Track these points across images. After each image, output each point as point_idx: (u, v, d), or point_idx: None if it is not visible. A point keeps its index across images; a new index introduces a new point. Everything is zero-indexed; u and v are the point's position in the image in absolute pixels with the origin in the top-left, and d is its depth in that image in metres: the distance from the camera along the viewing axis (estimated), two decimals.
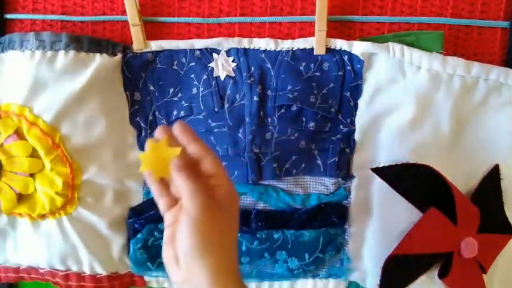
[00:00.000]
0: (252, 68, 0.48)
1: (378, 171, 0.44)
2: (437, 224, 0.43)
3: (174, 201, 0.35)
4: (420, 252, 0.43)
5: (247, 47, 0.48)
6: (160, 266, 0.49)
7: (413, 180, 0.44)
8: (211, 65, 0.48)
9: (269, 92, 0.48)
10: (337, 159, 0.48)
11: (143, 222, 0.49)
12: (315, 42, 0.46)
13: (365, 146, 0.47)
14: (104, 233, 0.49)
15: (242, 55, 0.48)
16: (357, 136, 0.48)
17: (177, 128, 0.36)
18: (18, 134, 0.46)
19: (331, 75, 0.47)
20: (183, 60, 0.49)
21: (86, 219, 0.48)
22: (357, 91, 0.47)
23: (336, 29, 0.48)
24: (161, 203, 0.36)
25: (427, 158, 0.44)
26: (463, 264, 0.44)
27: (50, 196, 0.46)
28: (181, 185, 0.33)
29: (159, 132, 0.36)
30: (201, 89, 0.49)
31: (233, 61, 0.48)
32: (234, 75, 0.48)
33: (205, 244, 0.32)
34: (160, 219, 0.48)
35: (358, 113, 0.48)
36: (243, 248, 0.49)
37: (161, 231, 0.48)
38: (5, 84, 0.47)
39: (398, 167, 0.45)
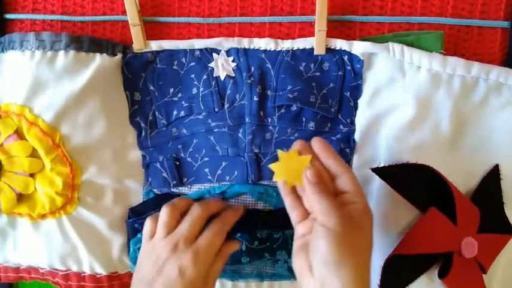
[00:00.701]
0: (252, 68, 0.48)
1: (378, 171, 0.44)
2: (437, 224, 0.43)
3: (306, 214, 0.37)
4: (420, 252, 0.43)
5: (247, 47, 0.48)
6: None
7: (413, 180, 0.44)
8: (211, 65, 0.48)
9: (269, 92, 0.48)
10: None
11: (143, 222, 0.49)
12: (315, 42, 0.46)
13: (365, 146, 0.47)
14: (104, 233, 0.49)
15: (242, 55, 0.48)
16: (357, 136, 0.48)
17: (316, 145, 0.37)
18: (18, 133, 0.46)
19: (331, 75, 0.47)
20: (183, 60, 0.49)
21: (86, 219, 0.48)
22: (357, 91, 0.47)
23: (336, 29, 0.48)
24: (294, 215, 0.38)
25: (427, 158, 0.44)
26: (463, 264, 0.44)
27: (50, 196, 0.46)
28: (315, 198, 0.35)
29: (296, 145, 0.38)
30: (201, 89, 0.49)
31: (233, 61, 0.48)
32: (234, 75, 0.48)
33: (341, 254, 0.32)
34: None
35: (358, 113, 0.48)
36: (243, 248, 0.49)
37: None
38: (5, 84, 0.47)
39: (398, 167, 0.44)
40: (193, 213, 0.43)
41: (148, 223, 0.44)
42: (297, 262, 0.36)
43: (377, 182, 0.46)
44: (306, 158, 0.36)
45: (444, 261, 0.45)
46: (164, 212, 0.43)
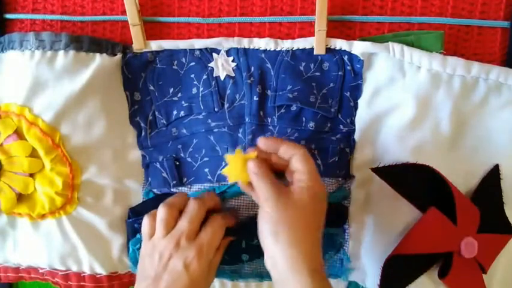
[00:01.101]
0: (252, 68, 0.48)
1: (378, 171, 0.44)
2: (437, 224, 0.43)
3: None
4: (420, 252, 0.43)
5: (247, 47, 0.48)
6: None
7: (413, 180, 0.44)
8: (211, 64, 0.48)
9: (269, 92, 0.48)
10: (337, 159, 0.48)
11: (142, 222, 0.49)
12: (315, 42, 0.46)
13: (365, 146, 0.47)
14: (104, 233, 0.49)
15: (242, 55, 0.48)
16: (357, 136, 0.48)
17: (261, 143, 0.41)
18: (18, 133, 0.46)
19: (331, 75, 0.47)
20: (183, 60, 0.49)
21: (86, 219, 0.48)
22: (357, 91, 0.47)
23: (336, 29, 0.48)
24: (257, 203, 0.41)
25: (427, 158, 0.44)
26: (463, 264, 0.44)
27: (50, 196, 0.46)
28: (257, 186, 0.39)
29: (248, 150, 0.42)
30: (201, 89, 0.49)
31: (233, 61, 0.48)
32: (234, 75, 0.48)
33: (276, 233, 0.37)
34: None
35: (358, 113, 0.48)
36: (243, 245, 0.49)
37: None
38: (5, 84, 0.47)
39: (398, 167, 0.45)
40: (191, 210, 0.43)
41: (146, 222, 0.44)
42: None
43: (377, 182, 0.46)
44: (250, 155, 0.41)
45: (444, 261, 0.45)
46: (162, 211, 0.43)
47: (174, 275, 0.41)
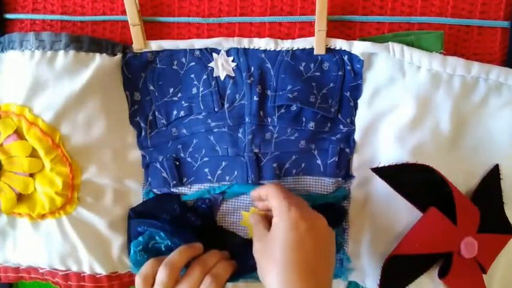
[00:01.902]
0: (252, 68, 0.48)
1: (378, 170, 0.44)
2: (437, 224, 0.43)
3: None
4: (420, 253, 0.43)
5: (247, 47, 0.48)
6: None
7: (413, 180, 0.44)
8: (211, 64, 0.48)
9: (269, 92, 0.48)
10: (337, 159, 0.48)
11: (147, 226, 0.49)
12: (315, 42, 0.46)
13: (365, 146, 0.47)
14: (104, 233, 0.49)
15: (242, 55, 0.48)
16: (357, 136, 0.48)
17: (251, 197, 0.48)
18: (18, 133, 0.46)
19: (331, 75, 0.47)
20: (183, 60, 0.49)
21: (86, 219, 0.48)
22: (357, 91, 0.47)
23: (336, 29, 0.48)
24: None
25: (427, 157, 0.44)
26: (463, 265, 0.44)
27: (50, 196, 0.46)
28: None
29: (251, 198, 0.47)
30: (201, 89, 0.49)
31: (233, 61, 0.48)
32: (233, 75, 0.48)
33: (261, 268, 0.40)
34: (162, 228, 0.48)
35: (358, 112, 0.48)
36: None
37: (162, 238, 0.48)
38: (5, 84, 0.47)
39: (399, 166, 0.44)
40: (193, 276, 0.42)
41: (147, 269, 0.43)
42: None
43: (377, 182, 0.46)
44: (253, 210, 0.49)
45: (444, 261, 0.45)
46: (162, 274, 0.41)
47: None
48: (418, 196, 0.44)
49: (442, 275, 0.44)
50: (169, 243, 0.47)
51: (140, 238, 0.48)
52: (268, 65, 0.48)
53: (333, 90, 0.47)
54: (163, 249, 0.48)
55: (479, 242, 0.43)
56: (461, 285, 0.45)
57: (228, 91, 0.48)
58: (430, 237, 0.43)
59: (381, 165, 0.45)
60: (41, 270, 0.50)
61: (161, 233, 0.48)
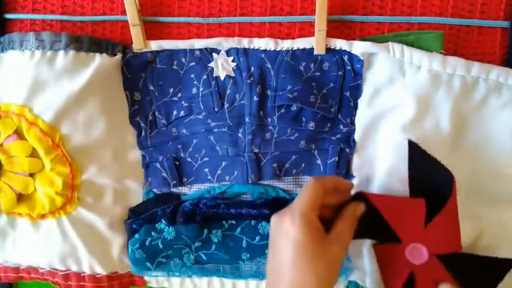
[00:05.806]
0: (252, 68, 0.48)
1: (412, 146, 0.41)
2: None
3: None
4: (384, 218, 0.40)
5: (247, 47, 0.48)
6: (159, 265, 0.49)
7: (429, 174, 0.41)
8: (211, 64, 0.48)
9: (269, 92, 0.48)
10: (337, 159, 0.48)
11: (141, 222, 0.49)
12: (315, 42, 0.46)
13: (365, 146, 0.47)
14: (104, 233, 0.49)
15: (242, 55, 0.48)
16: (357, 136, 0.48)
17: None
18: (18, 133, 0.46)
19: (331, 75, 0.47)
20: (183, 60, 0.49)
21: (86, 219, 0.48)
22: (356, 91, 0.47)
23: (336, 28, 0.48)
24: None
25: None
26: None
27: (50, 196, 0.46)
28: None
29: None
30: (201, 89, 0.49)
31: (233, 61, 0.48)
32: (233, 75, 0.48)
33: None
34: (156, 219, 0.48)
35: (358, 112, 0.48)
36: (243, 245, 0.49)
37: (158, 231, 0.48)
38: (5, 84, 0.47)
39: (430, 157, 0.41)
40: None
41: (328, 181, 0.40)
42: None
43: (377, 182, 0.46)
44: None
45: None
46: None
47: None
48: (419, 188, 0.41)
49: None
50: (166, 236, 0.48)
51: (136, 235, 0.49)
52: (268, 65, 0.48)
53: (333, 90, 0.47)
54: (160, 246, 0.48)
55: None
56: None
57: (228, 91, 0.48)
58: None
59: (382, 165, 0.45)
60: (41, 270, 0.50)
61: (156, 226, 0.48)
